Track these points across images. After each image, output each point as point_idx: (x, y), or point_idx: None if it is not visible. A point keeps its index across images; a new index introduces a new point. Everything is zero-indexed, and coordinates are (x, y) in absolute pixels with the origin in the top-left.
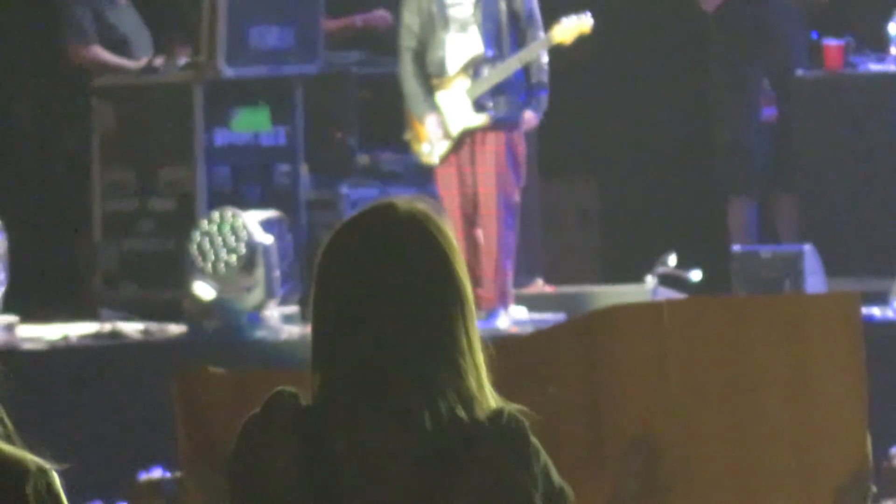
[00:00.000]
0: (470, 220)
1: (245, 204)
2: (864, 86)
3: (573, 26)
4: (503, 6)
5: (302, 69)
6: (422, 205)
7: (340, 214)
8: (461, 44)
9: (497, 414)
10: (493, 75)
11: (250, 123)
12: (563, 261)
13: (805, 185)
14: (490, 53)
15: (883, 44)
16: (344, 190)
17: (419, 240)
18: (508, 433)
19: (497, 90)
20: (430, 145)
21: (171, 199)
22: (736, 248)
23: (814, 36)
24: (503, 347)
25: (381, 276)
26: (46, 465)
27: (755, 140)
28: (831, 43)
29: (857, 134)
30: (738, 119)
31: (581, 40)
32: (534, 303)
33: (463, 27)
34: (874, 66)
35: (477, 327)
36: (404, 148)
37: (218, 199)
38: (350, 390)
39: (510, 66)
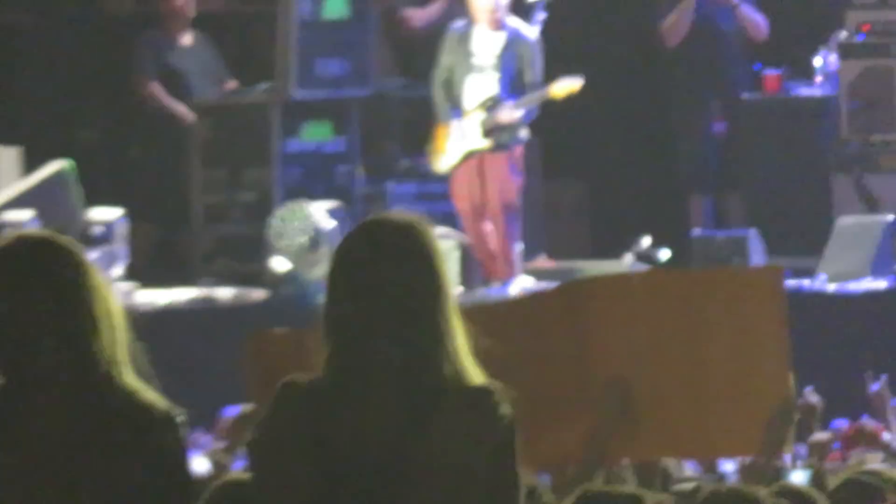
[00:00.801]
0: (477, 214)
1: (312, 197)
2: (795, 106)
3: (566, 86)
4: (518, 63)
5: (356, 93)
6: (412, 216)
7: (387, 205)
8: (479, 85)
9: (480, 388)
10: (502, 115)
11: (316, 135)
12: (561, 242)
13: (748, 185)
14: (504, 96)
15: (810, 73)
16: (389, 186)
17: (407, 243)
18: (477, 401)
19: (498, 126)
20: (443, 155)
21: (253, 193)
22: (695, 233)
23: (756, 67)
24: (510, 306)
25: (377, 270)
26: (174, 409)
27: (709, 150)
28: (770, 72)
29: (790, 144)
30: (696, 133)
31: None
32: (538, 274)
33: (482, 72)
34: (804, 91)
35: (456, 312)
36: None
37: (291, 194)
38: (349, 361)
39: (516, 109)
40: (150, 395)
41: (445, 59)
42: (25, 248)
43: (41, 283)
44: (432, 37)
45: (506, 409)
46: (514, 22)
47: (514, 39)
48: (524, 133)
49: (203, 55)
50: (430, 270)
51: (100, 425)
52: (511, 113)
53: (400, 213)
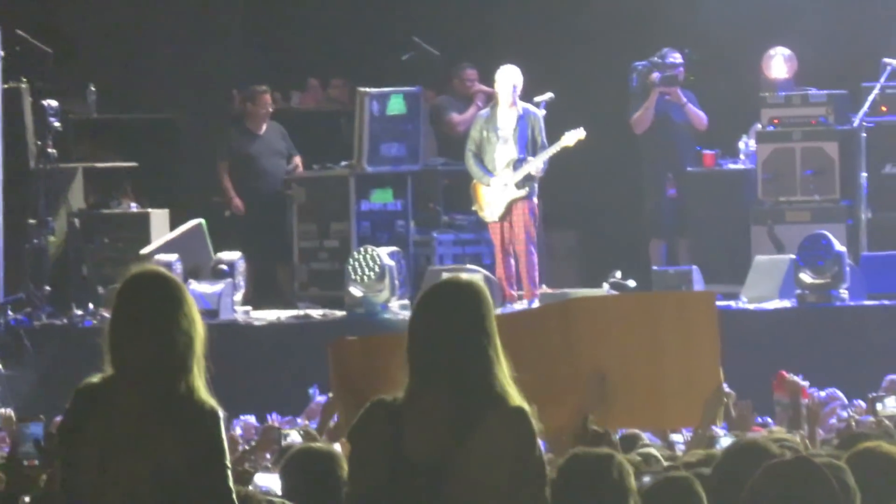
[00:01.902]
0: (506, 251)
1: (378, 244)
2: (725, 177)
3: (574, 135)
4: (529, 133)
5: (410, 168)
6: (474, 277)
7: (432, 249)
8: (503, 151)
9: (515, 407)
10: (525, 169)
11: (381, 198)
12: (556, 274)
13: (693, 233)
14: (522, 156)
15: (736, 153)
16: (434, 235)
17: (466, 299)
18: (518, 419)
19: (526, 177)
20: (482, 209)
21: (336, 240)
22: (654, 268)
23: (698, 148)
24: (522, 316)
25: (445, 316)
26: (217, 409)
27: (665, 207)
28: (708, 152)
29: (722, 204)
30: (656, 195)
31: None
32: (541, 298)
33: (505, 141)
34: (731, 166)
35: (500, 349)
36: (469, 212)
37: (363, 241)
38: (421, 382)
39: (535, 163)
40: (204, 395)
41: (474, 136)
42: (145, 277)
43: (147, 302)
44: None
45: (529, 421)
46: (524, 103)
47: (526, 114)
48: (536, 187)
49: (275, 143)
50: (482, 318)
51: (159, 411)
52: (536, 164)
53: (462, 275)
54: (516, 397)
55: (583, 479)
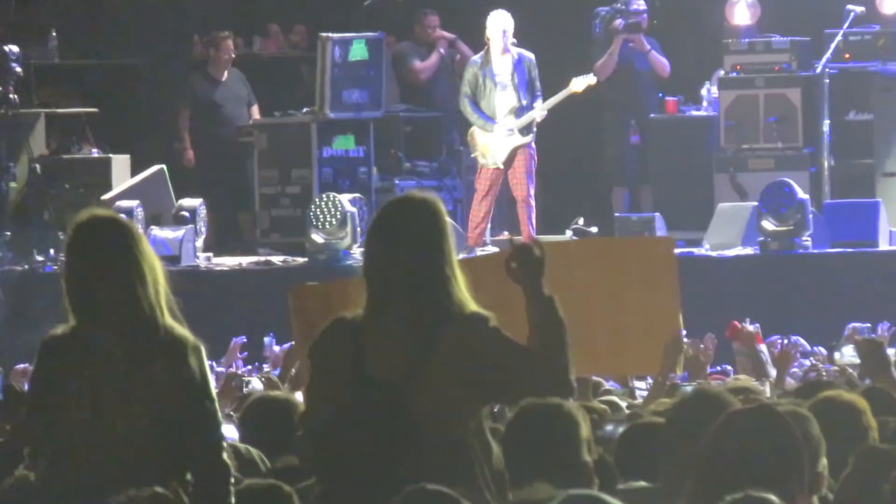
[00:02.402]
0: (490, 196)
1: (340, 190)
2: (688, 124)
3: (584, 81)
4: (528, 77)
5: (372, 114)
6: (427, 194)
7: (394, 196)
8: (504, 98)
9: (471, 313)
10: (529, 116)
11: (343, 145)
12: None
13: (656, 180)
14: (524, 102)
15: (698, 100)
16: (396, 182)
17: (422, 214)
18: (476, 320)
19: (528, 125)
20: (484, 155)
21: (298, 186)
22: (617, 215)
23: (661, 95)
24: (483, 260)
25: (399, 234)
26: (199, 342)
27: (628, 155)
28: (670, 99)
29: (684, 151)
30: (619, 143)
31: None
32: (502, 245)
33: (504, 87)
34: (694, 113)
35: (456, 262)
36: (431, 159)
37: (325, 188)
38: (379, 300)
39: (540, 110)
40: (182, 330)
41: (469, 80)
42: (95, 222)
43: (102, 247)
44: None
45: (493, 322)
46: (517, 48)
47: (521, 58)
48: (535, 131)
49: (236, 90)
50: (438, 234)
51: (145, 351)
52: (541, 111)
53: (418, 191)
54: (474, 306)
55: (532, 431)
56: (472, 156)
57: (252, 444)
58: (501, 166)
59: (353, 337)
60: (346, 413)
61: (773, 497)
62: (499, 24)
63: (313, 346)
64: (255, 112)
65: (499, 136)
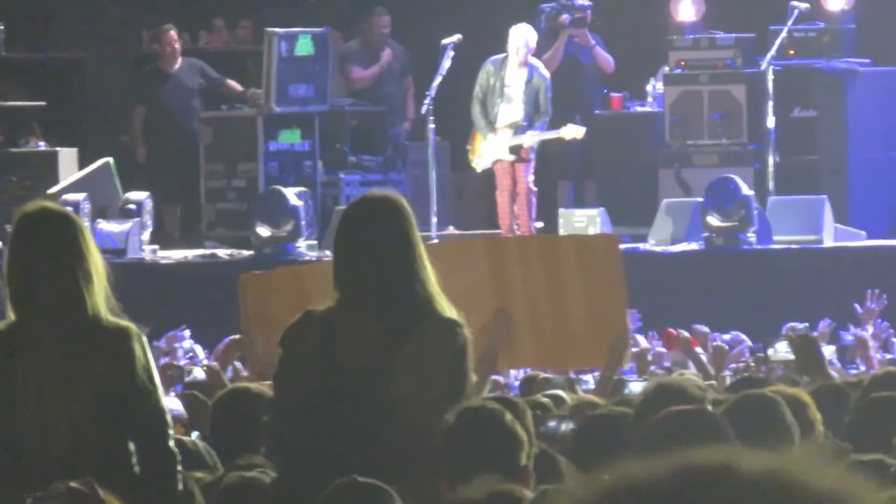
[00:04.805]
0: (510, 192)
1: (285, 184)
2: (633, 119)
3: (573, 132)
4: (534, 96)
5: (318, 108)
6: (392, 193)
7: (339, 190)
8: (507, 110)
9: (447, 318)
10: (522, 139)
11: (289, 139)
12: (465, 215)
13: (600, 175)
14: (525, 122)
15: (643, 95)
16: (341, 176)
17: (387, 212)
18: (451, 328)
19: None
20: (479, 157)
21: (244, 180)
22: (561, 209)
23: (605, 91)
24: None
25: (366, 232)
26: (141, 330)
27: (572, 149)
28: (615, 95)
29: (629, 146)
30: None
31: None
32: (445, 239)
33: (510, 100)
34: (639, 108)
35: (426, 259)
36: (376, 153)
37: (270, 181)
38: (350, 297)
39: (534, 137)
40: (123, 322)
41: (482, 84)
42: (41, 214)
43: (47, 240)
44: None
45: (464, 334)
46: (535, 61)
47: (532, 76)
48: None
49: (189, 81)
50: (404, 230)
51: (87, 344)
52: (532, 139)
53: (383, 191)
54: (447, 308)
55: (472, 431)
56: (466, 147)
57: (221, 437)
58: (479, 170)
59: (324, 328)
60: (315, 399)
61: None
62: (520, 37)
63: (283, 336)
64: (234, 84)
65: (490, 144)
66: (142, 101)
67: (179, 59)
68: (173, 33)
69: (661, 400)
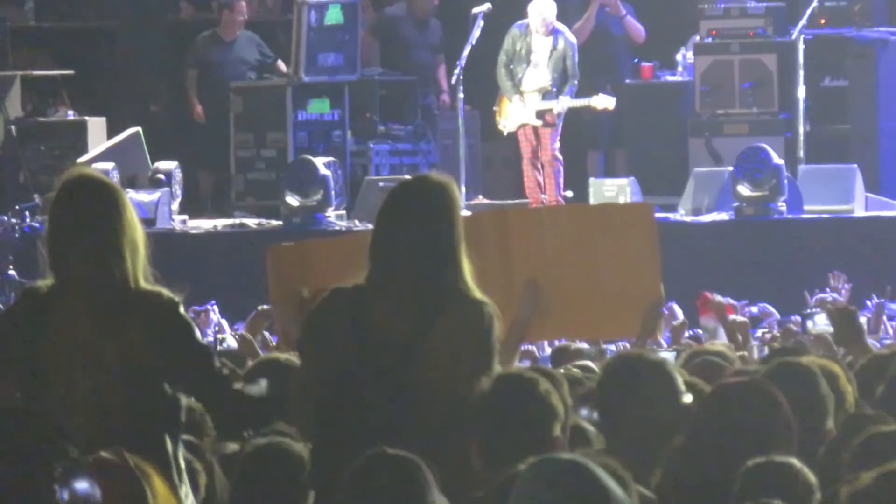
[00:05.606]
0: (533, 160)
1: (315, 154)
2: (663, 89)
3: (603, 102)
4: (561, 62)
5: (347, 77)
6: (442, 176)
7: (369, 160)
8: (533, 75)
9: (477, 299)
10: (550, 104)
11: (318, 108)
12: (494, 185)
13: (630, 144)
14: (554, 88)
15: (674, 65)
16: (371, 145)
17: (438, 194)
18: (476, 312)
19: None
20: (505, 119)
21: (273, 150)
22: (592, 179)
23: (636, 60)
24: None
25: (413, 209)
26: (177, 295)
27: (603, 119)
28: (646, 64)
29: (659, 116)
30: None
31: None
32: (475, 209)
33: (536, 65)
34: (669, 78)
35: (464, 252)
36: (405, 122)
37: (299, 151)
38: (382, 274)
39: (564, 103)
40: (157, 288)
41: (507, 49)
42: (82, 181)
43: (85, 207)
44: (401, 37)
45: (490, 312)
46: (560, 26)
47: (557, 42)
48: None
49: (243, 51)
50: (450, 215)
51: (120, 312)
52: (562, 105)
53: (434, 174)
54: (475, 290)
55: (506, 398)
56: (493, 108)
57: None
58: (506, 133)
59: (353, 304)
60: (344, 376)
61: (794, 460)
62: (538, 13)
63: (311, 313)
64: (282, 66)
65: (516, 108)
66: (195, 65)
67: (239, 31)
68: (244, 4)
69: (619, 372)
